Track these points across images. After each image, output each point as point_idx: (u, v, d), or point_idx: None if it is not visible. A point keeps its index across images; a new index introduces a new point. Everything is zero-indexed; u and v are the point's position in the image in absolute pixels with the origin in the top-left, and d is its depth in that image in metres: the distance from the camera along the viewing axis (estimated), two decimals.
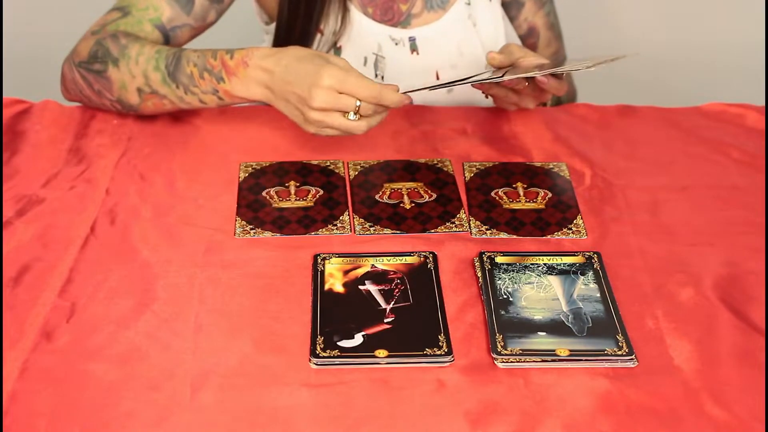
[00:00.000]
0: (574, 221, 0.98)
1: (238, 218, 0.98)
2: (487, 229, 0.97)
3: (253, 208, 1.00)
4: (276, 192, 1.03)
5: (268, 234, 0.96)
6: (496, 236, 0.96)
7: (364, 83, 0.96)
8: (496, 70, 1.09)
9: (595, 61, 1.01)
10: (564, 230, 0.97)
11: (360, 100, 0.96)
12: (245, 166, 1.07)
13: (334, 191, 1.03)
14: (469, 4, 1.27)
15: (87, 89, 1.12)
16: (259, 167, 1.07)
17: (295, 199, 1.01)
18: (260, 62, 1.02)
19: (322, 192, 1.03)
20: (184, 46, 1.13)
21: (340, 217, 0.99)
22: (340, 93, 0.96)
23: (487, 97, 1.13)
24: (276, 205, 1.01)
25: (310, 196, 1.02)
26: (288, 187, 1.03)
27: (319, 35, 1.24)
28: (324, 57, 1.00)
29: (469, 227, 0.97)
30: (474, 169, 1.07)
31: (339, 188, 1.03)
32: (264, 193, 1.02)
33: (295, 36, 1.22)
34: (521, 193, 1.03)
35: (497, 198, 1.02)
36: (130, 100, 1.09)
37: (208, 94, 1.06)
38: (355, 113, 0.96)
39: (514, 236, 0.96)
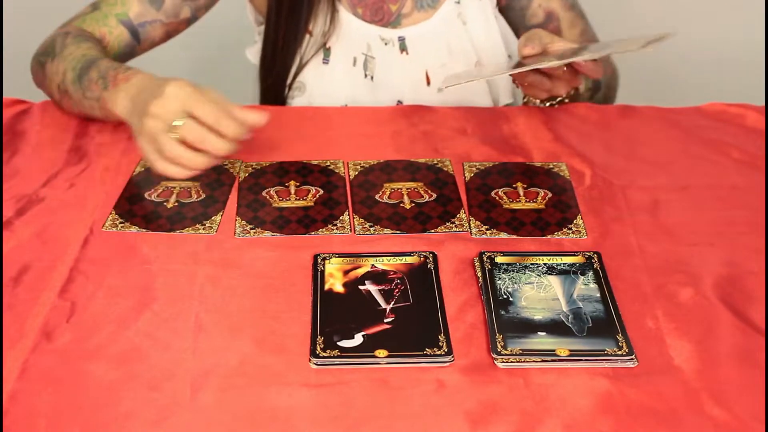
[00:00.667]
0: (574, 221, 0.98)
1: (238, 218, 0.98)
2: (487, 229, 0.97)
3: (253, 207, 1.00)
4: (276, 192, 1.03)
5: (267, 234, 0.96)
6: (496, 236, 0.96)
7: (209, 101, 0.93)
8: (528, 58, 1.08)
9: (644, 41, 0.99)
10: (564, 230, 0.97)
11: (196, 117, 0.93)
12: (245, 166, 1.07)
13: (334, 191, 1.03)
14: (458, 2, 1.27)
15: (35, 80, 1.17)
16: (259, 167, 1.07)
17: (295, 199, 1.01)
18: (139, 80, 1.01)
19: (322, 192, 1.03)
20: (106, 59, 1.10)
21: (340, 217, 0.99)
22: (183, 107, 0.93)
23: (518, 86, 1.14)
24: (276, 204, 1.01)
25: (310, 196, 1.02)
26: (288, 186, 1.03)
27: (308, 36, 1.24)
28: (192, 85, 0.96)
29: (469, 227, 0.97)
30: (474, 169, 1.07)
31: (339, 188, 1.03)
32: (264, 193, 1.02)
33: (283, 37, 1.23)
34: (521, 193, 1.03)
35: (497, 198, 1.02)
36: (54, 95, 1.13)
37: (92, 101, 1.06)
38: (178, 123, 0.93)
39: (514, 236, 0.96)
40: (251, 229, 0.97)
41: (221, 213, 0.99)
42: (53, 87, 1.11)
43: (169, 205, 1.00)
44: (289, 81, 1.27)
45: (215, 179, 1.05)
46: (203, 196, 1.02)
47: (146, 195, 1.02)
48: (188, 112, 0.94)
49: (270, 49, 1.26)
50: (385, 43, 1.25)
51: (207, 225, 0.97)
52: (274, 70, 1.28)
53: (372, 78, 1.26)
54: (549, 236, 0.96)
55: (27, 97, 1.20)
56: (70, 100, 1.09)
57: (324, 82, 1.26)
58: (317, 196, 1.02)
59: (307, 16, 1.22)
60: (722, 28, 2.00)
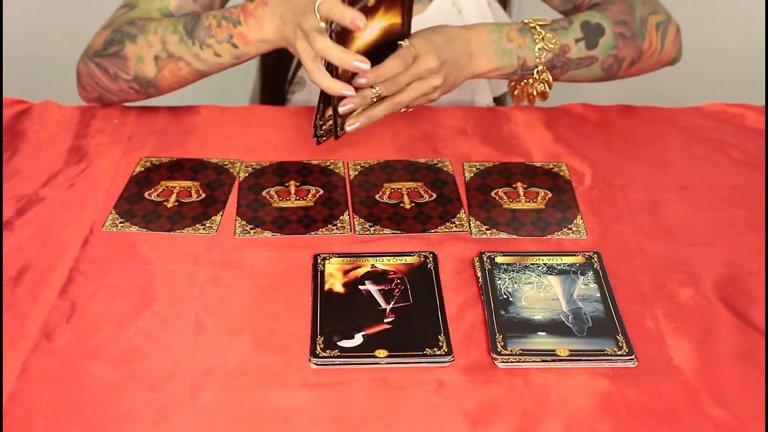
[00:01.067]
0: (574, 221, 0.98)
1: (238, 218, 0.98)
2: (487, 229, 0.97)
3: (253, 207, 1.00)
4: (276, 192, 1.03)
5: (267, 234, 0.96)
6: (496, 236, 0.96)
7: None
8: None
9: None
10: (564, 230, 0.97)
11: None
12: (245, 166, 1.07)
13: (334, 191, 1.03)
14: None
15: (103, 78, 1.11)
16: (259, 167, 1.07)
17: (295, 199, 1.01)
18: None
19: (322, 192, 1.03)
20: None
21: (340, 217, 0.99)
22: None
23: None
24: (276, 204, 1.01)
25: (310, 195, 1.02)
26: (288, 186, 1.03)
27: None
28: None
29: (469, 227, 0.97)
30: (474, 169, 1.07)
31: (339, 188, 1.03)
32: (264, 193, 1.02)
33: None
34: (521, 193, 1.03)
35: (497, 198, 1.02)
36: (147, 74, 1.08)
37: (223, 44, 1.04)
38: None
39: (514, 236, 0.96)
40: (251, 229, 0.97)
41: (221, 213, 0.99)
42: (145, 64, 1.07)
43: (169, 205, 1.00)
44: (289, 76, 1.26)
45: (215, 179, 1.05)
46: (203, 195, 1.02)
47: (146, 195, 1.02)
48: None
49: None
50: None
51: (207, 225, 0.97)
52: (274, 66, 1.27)
53: None
54: (549, 236, 0.96)
55: (27, 97, 1.20)
56: (178, 63, 1.07)
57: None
58: (317, 196, 1.02)
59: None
60: (722, 28, 2.00)
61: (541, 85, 1.09)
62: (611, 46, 1.10)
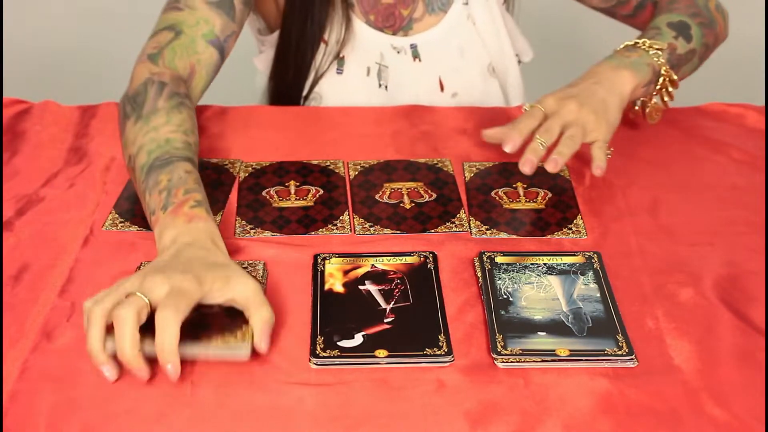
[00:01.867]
0: (574, 221, 0.98)
1: (238, 218, 0.98)
2: (487, 229, 0.97)
3: (253, 207, 1.00)
4: (276, 192, 1.03)
5: (267, 234, 0.96)
6: (496, 236, 0.96)
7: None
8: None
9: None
10: (564, 230, 0.97)
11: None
12: (245, 166, 1.07)
13: (334, 191, 1.03)
14: (466, 3, 1.27)
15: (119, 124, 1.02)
16: (259, 167, 1.07)
17: (295, 199, 1.01)
18: (201, 228, 0.87)
19: (322, 192, 1.03)
20: (193, 160, 0.96)
21: (340, 217, 0.99)
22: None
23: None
24: (276, 204, 1.01)
25: (310, 195, 1.02)
26: (288, 186, 1.03)
27: (323, 45, 1.24)
28: (229, 269, 0.82)
29: (469, 227, 0.97)
30: (474, 169, 1.07)
31: (339, 188, 1.03)
32: (264, 193, 1.02)
33: (298, 46, 1.22)
34: (521, 193, 1.03)
35: (497, 198, 1.02)
36: (124, 158, 0.99)
37: (147, 210, 0.91)
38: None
39: (514, 236, 0.96)
40: (251, 229, 0.97)
41: (221, 213, 0.99)
42: (125, 153, 0.98)
43: None
44: (305, 92, 1.26)
45: (215, 179, 1.05)
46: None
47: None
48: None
49: (285, 59, 1.24)
50: (398, 52, 1.25)
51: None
52: (288, 80, 1.25)
53: (386, 87, 1.26)
54: (549, 236, 0.96)
55: (27, 97, 1.20)
56: (133, 180, 0.96)
57: (339, 92, 1.26)
58: (317, 195, 1.02)
59: (322, 24, 1.22)
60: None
61: (669, 86, 1.11)
62: (701, 35, 1.16)
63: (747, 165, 1.08)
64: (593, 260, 0.92)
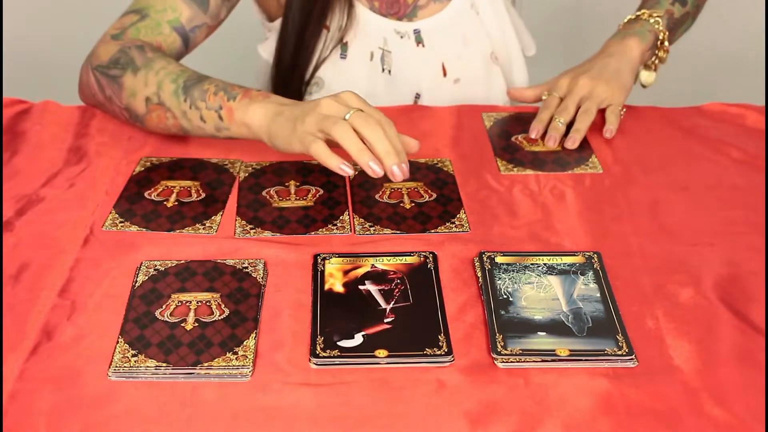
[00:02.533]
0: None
1: (238, 218, 0.98)
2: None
3: (253, 207, 1.00)
4: (276, 191, 1.03)
5: (267, 234, 0.96)
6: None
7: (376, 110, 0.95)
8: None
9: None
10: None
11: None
12: (245, 166, 1.07)
13: (334, 191, 1.03)
14: None
15: (99, 94, 1.10)
16: (259, 167, 1.07)
17: (295, 199, 1.01)
18: (277, 99, 1.00)
19: (322, 191, 1.03)
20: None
21: (340, 217, 0.99)
22: (358, 104, 0.95)
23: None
24: (276, 204, 1.01)
25: (310, 195, 1.02)
26: (288, 186, 1.03)
27: (325, 31, 1.24)
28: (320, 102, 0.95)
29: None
30: (492, 119, 1.07)
31: (339, 188, 1.03)
32: (264, 193, 1.02)
33: (301, 33, 1.23)
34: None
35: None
36: (137, 110, 1.06)
37: (211, 111, 1.02)
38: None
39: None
40: (251, 229, 0.97)
41: (221, 213, 0.99)
42: (136, 100, 1.05)
43: (169, 205, 1.00)
44: (307, 77, 1.26)
45: (215, 179, 1.05)
46: (203, 195, 1.02)
47: (146, 194, 1.02)
48: (360, 109, 0.93)
49: (287, 46, 1.25)
50: (401, 37, 1.26)
51: (207, 225, 0.97)
52: (291, 67, 1.27)
53: (390, 72, 1.27)
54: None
55: (27, 97, 1.20)
56: (166, 113, 1.04)
57: (342, 77, 1.27)
58: (317, 195, 1.02)
59: (324, 11, 1.23)
60: (722, 28, 2.00)
61: (662, 52, 1.24)
62: None
63: (747, 165, 1.08)
64: (593, 260, 0.92)
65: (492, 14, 1.30)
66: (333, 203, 1.01)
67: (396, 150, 0.91)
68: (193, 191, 1.03)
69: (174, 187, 1.03)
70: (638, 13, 1.23)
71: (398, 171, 0.91)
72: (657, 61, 1.24)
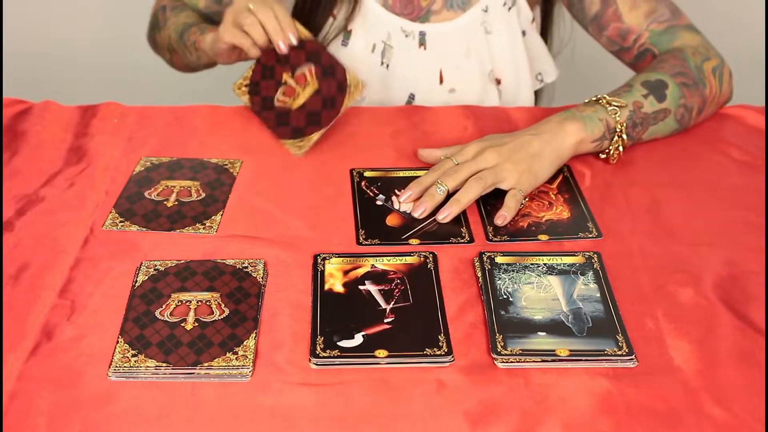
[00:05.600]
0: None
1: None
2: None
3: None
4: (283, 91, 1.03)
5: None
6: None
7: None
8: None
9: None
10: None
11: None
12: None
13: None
14: (486, 11, 1.27)
15: (153, 50, 1.41)
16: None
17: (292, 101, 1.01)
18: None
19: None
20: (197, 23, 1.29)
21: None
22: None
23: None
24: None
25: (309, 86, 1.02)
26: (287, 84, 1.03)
27: (331, 19, 1.26)
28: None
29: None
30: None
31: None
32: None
33: (308, 17, 1.25)
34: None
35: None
36: (166, 57, 1.36)
37: (192, 46, 1.24)
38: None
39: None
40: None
41: (221, 213, 0.99)
42: (165, 52, 1.35)
43: (169, 204, 1.00)
44: None
45: (215, 179, 1.05)
46: (203, 195, 1.02)
47: (146, 194, 1.02)
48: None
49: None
50: (406, 35, 1.27)
51: (207, 225, 0.97)
52: None
53: (387, 66, 1.28)
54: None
55: (27, 97, 1.20)
56: (177, 56, 1.31)
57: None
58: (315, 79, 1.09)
59: (332, 2, 1.24)
60: (722, 28, 2.00)
61: (620, 146, 1.07)
62: (679, 95, 1.11)
63: (747, 165, 1.08)
64: (593, 260, 0.92)
65: (506, 38, 1.28)
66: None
67: (282, 27, 1.09)
68: (193, 191, 1.03)
69: (174, 186, 1.03)
70: (598, 96, 1.08)
71: (283, 45, 1.09)
72: (614, 153, 1.07)
